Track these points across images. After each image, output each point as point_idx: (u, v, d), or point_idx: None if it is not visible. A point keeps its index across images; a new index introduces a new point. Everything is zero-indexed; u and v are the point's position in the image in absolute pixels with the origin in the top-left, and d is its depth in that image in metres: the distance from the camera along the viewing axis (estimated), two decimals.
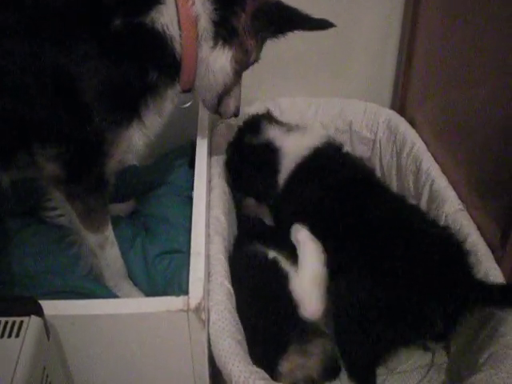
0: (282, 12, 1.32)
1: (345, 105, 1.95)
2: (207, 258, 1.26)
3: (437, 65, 1.74)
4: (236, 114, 1.50)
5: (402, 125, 1.83)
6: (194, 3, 1.19)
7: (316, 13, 1.89)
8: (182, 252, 1.46)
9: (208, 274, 1.24)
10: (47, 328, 0.97)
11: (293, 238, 1.41)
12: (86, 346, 1.09)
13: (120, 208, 1.68)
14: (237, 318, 1.23)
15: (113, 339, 1.09)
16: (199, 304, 1.04)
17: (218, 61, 1.28)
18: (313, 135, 1.64)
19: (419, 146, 1.71)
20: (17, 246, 1.49)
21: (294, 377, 1.27)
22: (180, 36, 1.19)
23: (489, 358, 1.13)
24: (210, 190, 1.49)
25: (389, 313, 1.20)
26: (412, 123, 1.84)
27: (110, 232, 1.33)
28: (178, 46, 1.20)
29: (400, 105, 2.00)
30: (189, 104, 1.47)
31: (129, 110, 1.19)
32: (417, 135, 1.77)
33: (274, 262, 1.36)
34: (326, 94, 1.99)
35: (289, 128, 1.68)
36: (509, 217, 1.29)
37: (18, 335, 0.91)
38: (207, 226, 1.33)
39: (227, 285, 1.27)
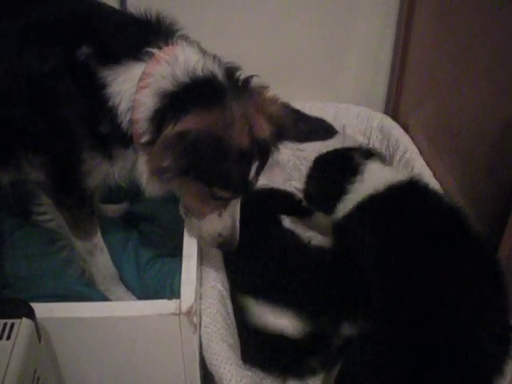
0: (210, 156, 1.04)
1: (338, 109, 1.95)
2: (199, 261, 1.26)
3: (430, 70, 1.75)
4: (221, 247, 1.23)
5: (395, 130, 1.84)
6: (142, 89, 1.08)
7: (312, 17, 1.91)
8: (175, 255, 1.46)
9: (200, 277, 1.24)
10: (38, 330, 0.97)
11: None
12: (78, 348, 1.09)
13: (113, 209, 1.68)
14: (229, 321, 1.23)
15: (104, 342, 1.09)
16: (191, 307, 1.04)
17: (139, 160, 1.14)
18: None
19: (412, 151, 1.72)
20: (9, 248, 1.48)
21: None
22: (127, 112, 1.10)
23: None
24: None
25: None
26: (405, 128, 1.85)
27: (98, 239, 1.33)
28: (123, 120, 1.11)
29: (393, 110, 2.00)
30: None
31: (96, 140, 1.14)
32: (410, 140, 1.78)
33: None
34: (319, 98, 1.99)
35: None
36: (500, 223, 1.30)
37: (8, 337, 0.91)
38: None
39: (220, 288, 1.27)
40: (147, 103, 1.08)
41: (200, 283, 1.23)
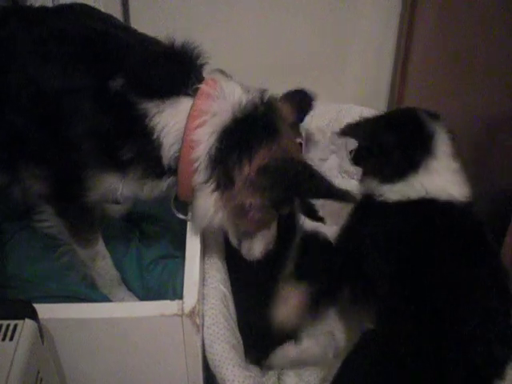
0: (299, 175, 1.09)
1: (341, 109, 1.95)
2: (202, 261, 1.26)
3: (433, 71, 1.75)
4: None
5: None
6: (197, 127, 1.08)
7: (313, 18, 1.91)
8: (177, 256, 1.46)
9: (203, 278, 1.25)
10: (41, 331, 0.97)
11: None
12: (81, 349, 1.09)
13: (115, 209, 1.68)
14: (231, 322, 1.23)
15: (107, 343, 1.09)
16: (193, 308, 1.04)
17: (202, 200, 1.14)
18: None
19: None
20: (12, 250, 1.48)
21: None
22: (172, 147, 1.10)
23: None
24: None
25: None
26: None
27: (100, 246, 1.32)
28: (166, 154, 1.11)
29: None
30: (187, 217, 1.28)
31: (108, 163, 1.14)
32: None
33: None
34: (322, 98, 1.99)
35: None
36: (501, 223, 1.30)
37: (12, 338, 0.91)
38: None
39: (222, 289, 1.27)
40: (206, 142, 1.09)
41: (202, 284, 1.23)
